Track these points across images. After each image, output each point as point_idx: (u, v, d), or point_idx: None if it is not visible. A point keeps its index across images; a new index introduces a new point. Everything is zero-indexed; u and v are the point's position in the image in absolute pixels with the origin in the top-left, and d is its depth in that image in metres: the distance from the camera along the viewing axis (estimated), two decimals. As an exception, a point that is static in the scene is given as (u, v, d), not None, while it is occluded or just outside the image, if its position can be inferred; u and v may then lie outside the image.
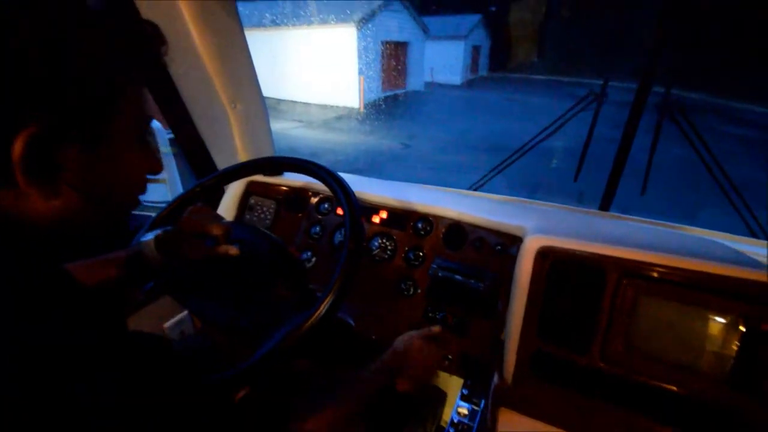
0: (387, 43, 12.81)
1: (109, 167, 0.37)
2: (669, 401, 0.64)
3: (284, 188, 1.15)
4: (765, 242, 1.00)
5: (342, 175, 0.71)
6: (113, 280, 0.61)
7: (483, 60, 20.22)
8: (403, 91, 14.19)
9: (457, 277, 0.88)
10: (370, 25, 11.62)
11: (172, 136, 1.20)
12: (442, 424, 1.01)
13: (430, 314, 0.91)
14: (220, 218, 0.69)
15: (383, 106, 12.27)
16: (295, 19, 11.87)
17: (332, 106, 12.02)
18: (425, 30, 14.58)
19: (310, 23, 11.79)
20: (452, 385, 1.10)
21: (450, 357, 0.87)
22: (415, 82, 14.78)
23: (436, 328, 0.79)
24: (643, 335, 0.66)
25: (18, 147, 0.28)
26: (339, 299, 0.54)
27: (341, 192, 0.66)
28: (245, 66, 1.12)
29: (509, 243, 0.88)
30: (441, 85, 16.53)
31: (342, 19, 11.36)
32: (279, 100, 12.45)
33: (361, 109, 11.81)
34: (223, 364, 0.49)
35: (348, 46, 11.55)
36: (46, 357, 0.28)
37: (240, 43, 1.07)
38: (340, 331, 0.92)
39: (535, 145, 1.40)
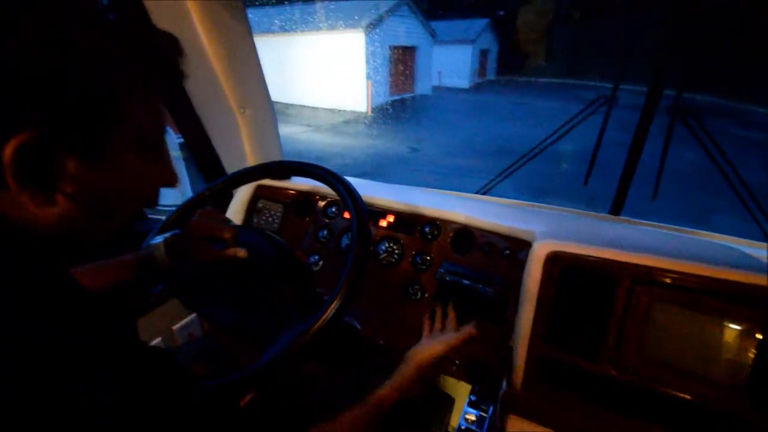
0: (395, 47, 12.87)
1: (112, 179, 0.35)
2: (682, 410, 0.62)
3: (292, 192, 1.15)
4: (781, 248, 0.97)
5: (349, 179, 0.71)
6: (123, 283, 0.61)
7: (491, 64, 20.19)
8: (411, 95, 14.23)
9: (465, 281, 0.87)
10: (378, 30, 11.69)
11: (182, 140, 1.22)
12: (450, 430, 1.00)
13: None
14: (228, 221, 0.70)
15: (391, 110, 12.31)
16: (303, 25, 12.00)
17: (340, 111, 12.09)
18: (433, 34, 14.62)
19: (318, 29, 11.91)
20: (460, 390, 1.09)
21: (457, 362, 0.86)
22: (422, 86, 14.81)
23: (471, 330, 0.76)
24: (656, 342, 0.64)
25: (8, 151, 0.27)
26: (345, 303, 0.54)
27: (348, 196, 0.66)
28: (254, 71, 1.13)
29: (518, 248, 0.87)
30: (449, 89, 16.53)
31: (350, 24, 11.45)
32: (287, 105, 12.56)
33: (369, 113, 11.86)
34: (229, 366, 0.49)
35: (356, 51, 11.63)
36: (46, 357, 0.28)
37: (249, 48, 1.08)
38: (346, 335, 0.92)
39: (545, 148, 1.38)
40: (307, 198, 1.13)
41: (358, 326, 0.93)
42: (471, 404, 0.79)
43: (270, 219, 1.15)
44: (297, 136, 9.47)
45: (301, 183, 1.15)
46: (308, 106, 12.50)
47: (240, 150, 1.21)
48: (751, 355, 0.58)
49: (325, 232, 1.07)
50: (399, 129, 10.32)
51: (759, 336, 0.58)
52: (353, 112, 12.02)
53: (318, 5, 11.97)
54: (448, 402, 1.02)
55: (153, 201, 0.42)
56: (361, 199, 0.66)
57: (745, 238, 1.00)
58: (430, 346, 0.72)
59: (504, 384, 0.78)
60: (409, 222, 1.00)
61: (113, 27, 0.32)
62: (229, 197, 1.21)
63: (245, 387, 0.49)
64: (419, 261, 0.96)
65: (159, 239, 0.63)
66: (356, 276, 0.56)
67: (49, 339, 0.29)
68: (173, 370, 0.37)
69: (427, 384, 0.68)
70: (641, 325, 0.65)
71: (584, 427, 0.69)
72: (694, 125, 1.12)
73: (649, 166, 1.32)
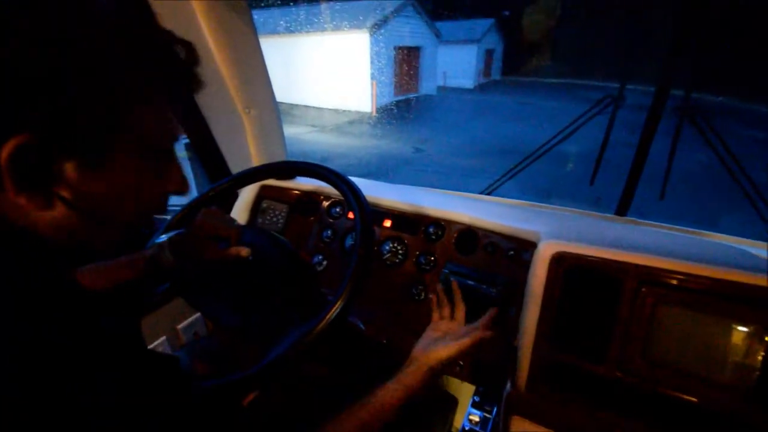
0: (399, 48, 12.87)
1: (113, 185, 0.34)
2: (688, 413, 0.61)
3: (296, 192, 1.15)
4: (791, 249, 0.96)
5: (353, 179, 0.71)
6: (128, 282, 0.62)
7: (496, 64, 20.12)
8: (416, 95, 14.22)
9: (469, 282, 0.87)
10: (382, 31, 11.70)
11: (187, 141, 1.23)
12: (453, 430, 0.99)
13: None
14: (232, 221, 0.70)
15: (395, 110, 12.31)
16: (308, 25, 12.03)
17: (345, 111, 12.11)
18: (438, 35, 14.61)
19: (323, 30, 11.94)
20: (463, 391, 1.08)
21: (461, 363, 0.86)
22: (427, 87, 14.80)
23: (485, 332, 0.69)
24: (662, 345, 0.64)
25: (5, 152, 0.27)
26: (349, 304, 0.54)
27: (352, 196, 0.66)
28: (259, 72, 1.14)
29: (522, 248, 0.86)
30: (453, 89, 16.49)
31: (355, 25, 11.47)
32: (292, 105, 12.61)
33: (374, 114, 11.87)
34: (233, 366, 0.49)
35: (361, 51, 11.65)
36: (45, 357, 0.27)
37: (254, 49, 1.09)
38: (350, 335, 0.92)
39: (550, 149, 1.38)
40: (311, 198, 1.13)
41: (362, 326, 0.93)
42: (475, 405, 0.79)
43: (274, 219, 1.16)
44: (302, 137, 9.50)
45: (305, 183, 1.15)
46: (313, 107, 12.54)
47: (245, 150, 1.22)
48: (759, 358, 0.58)
49: (329, 232, 1.08)
50: (403, 129, 10.32)
51: (767, 338, 0.57)
52: (358, 112, 12.03)
53: (323, 6, 12.01)
54: (452, 402, 1.01)
55: (160, 209, 0.41)
56: (365, 199, 0.66)
57: (753, 239, 0.99)
58: (444, 347, 0.66)
59: (508, 385, 0.77)
60: (413, 222, 1.00)
61: (116, 28, 0.31)
62: (233, 197, 1.22)
63: (249, 386, 0.49)
64: (423, 261, 0.96)
65: (163, 238, 0.64)
66: (360, 276, 0.56)
67: (49, 339, 0.28)
68: (173, 370, 0.37)
69: (431, 385, 0.65)
70: (647, 326, 0.64)
71: (588, 429, 0.69)
72: (703, 124, 1.11)
73: (657, 166, 1.31)
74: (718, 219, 4.62)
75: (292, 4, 12.42)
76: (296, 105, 12.62)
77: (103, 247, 0.39)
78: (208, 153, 1.22)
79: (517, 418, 0.75)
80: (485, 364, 0.84)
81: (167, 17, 0.36)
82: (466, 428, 0.75)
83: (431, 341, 0.68)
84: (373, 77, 11.90)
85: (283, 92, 11.60)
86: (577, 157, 6.31)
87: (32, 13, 0.27)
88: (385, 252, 1.00)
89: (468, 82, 17.40)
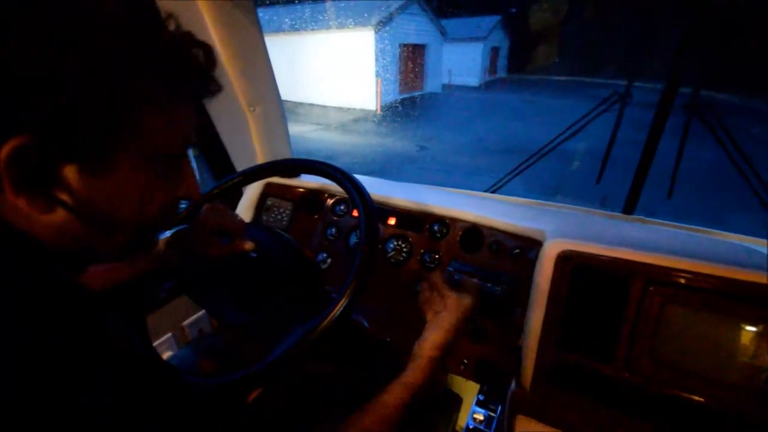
0: (404, 45, 12.83)
1: (116, 191, 0.33)
2: (696, 414, 0.61)
3: (301, 190, 1.16)
4: (802, 248, 0.94)
5: (358, 177, 0.70)
6: (131, 279, 0.62)
7: (502, 61, 20.00)
8: (420, 93, 14.17)
9: (474, 280, 0.87)
10: (387, 28, 11.66)
11: (193, 138, 1.23)
12: (457, 429, 0.99)
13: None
14: (235, 216, 0.70)
15: (400, 108, 12.28)
16: (313, 23, 12.03)
17: (349, 109, 12.11)
18: (443, 32, 14.54)
19: (328, 27, 11.93)
20: (468, 390, 1.08)
21: (465, 362, 0.86)
22: (432, 85, 14.75)
23: (466, 301, 0.67)
24: (670, 344, 0.63)
25: (4, 153, 0.26)
26: (353, 301, 0.54)
27: (356, 194, 0.66)
28: (264, 70, 1.14)
29: (528, 247, 0.86)
30: (459, 87, 16.42)
31: (360, 22, 11.45)
32: (297, 104, 12.63)
33: (378, 112, 11.85)
34: (238, 363, 0.49)
35: (366, 49, 11.63)
36: (45, 358, 0.27)
37: (259, 47, 1.09)
38: (354, 333, 0.92)
39: (556, 146, 1.37)
40: (315, 196, 1.13)
41: (366, 324, 0.93)
42: (479, 404, 0.79)
43: (279, 217, 1.16)
44: (306, 135, 9.51)
45: (310, 181, 1.15)
46: (318, 105, 12.55)
47: (250, 148, 1.22)
48: (769, 359, 0.57)
49: (334, 230, 1.08)
50: (408, 127, 10.29)
51: (778, 339, 0.56)
52: (362, 110, 12.02)
53: (328, 4, 11.99)
54: (456, 401, 1.01)
55: (170, 214, 0.40)
56: (369, 196, 0.66)
57: (762, 237, 0.98)
58: (435, 331, 0.64)
59: (513, 384, 0.77)
60: (418, 220, 1.00)
61: (118, 29, 0.30)
62: (238, 195, 1.22)
63: (253, 384, 0.49)
64: (428, 259, 0.96)
65: (167, 234, 0.64)
66: (364, 274, 0.56)
67: (48, 341, 0.28)
68: (171, 371, 0.37)
69: (435, 377, 0.63)
70: (654, 326, 0.63)
71: (593, 428, 0.68)
72: (713, 121, 1.09)
73: (664, 164, 1.29)
74: (726, 217, 4.56)
75: (297, 2, 12.43)
76: (301, 103, 12.64)
77: (106, 252, 0.38)
78: (213, 151, 1.22)
79: (521, 417, 0.74)
80: (490, 363, 0.84)
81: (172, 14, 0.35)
82: (471, 427, 0.75)
83: (426, 330, 0.66)
84: (377, 75, 11.88)
85: (288, 90, 11.62)
86: (584, 155, 6.26)
87: (32, 12, 0.26)
88: (389, 250, 1.00)
89: (473, 80, 17.31)
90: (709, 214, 4.72)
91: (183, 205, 0.80)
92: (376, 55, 11.67)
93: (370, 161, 7.49)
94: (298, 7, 12.32)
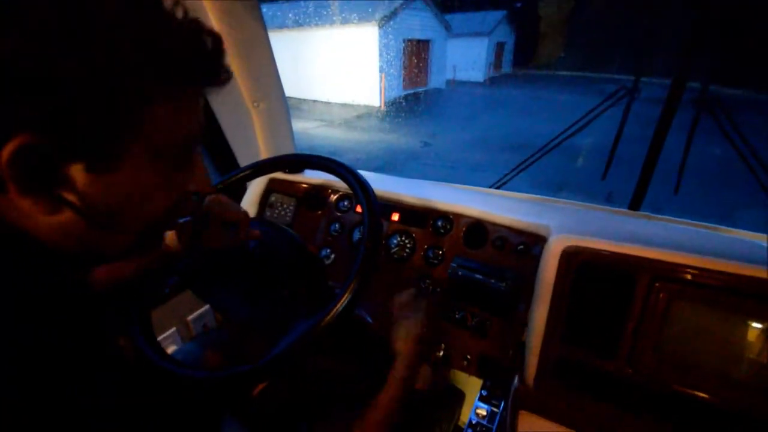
0: (409, 41, 12.77)
1: (124, 191, 0.32)
2: (700, 411, 0.60)
3: (304, 186, 1.16)
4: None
5: (361, 172, 0.70)
6: (135, 274, 0.62)
7: (507, 56, 19.86)
8: (425, 89, 14.12)
9: (477, 276, 0.86)
10: (391, 24, 11.61)
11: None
12: (460, 424, 0.99)
13: (449, 314, 0.90)
14: (238, 206, 0.70)
15: (404, 104, 12.25)
16: (317, 19, 12.00)
17: (353, 105, 12.09)
18: (447, 27, 14.45)
19: (332, 23, 11.89)
20: (471, 385, 1.08)
21: (469, 357, 0.86)
22: (436, 80, 14.68)
23: (409, 291, 0.78)
24: (675, 341, 0.63)
25: (6, 153, 0.26)
26: (356, 297, 0.54)
27: (360, 189, 0.65)
28: (268, 66, 1.14)
29: (532, 242, 0.85)
30: (463, 83, 16.34)
31: (364, 18, 11.40)
32: (301, 100, 12.63)
33: (382, 108, 11.83)
34: (242, 358, 0.49)
35: (370, 44, 11.59)
36: (45, 359, 0.27)
37: (263, 43, 1.09)
38: (357, 329, 0.93)
39: (561, 142, 1.35)
40: (319, 192, 1.13)
41: (369, 320, 0.93)
42: (482, 399, 0.79)
43: (282, 212, 1.16)
44: (310, 131, 9.51)
45: (313, 177, 1.15)
46: (321, 101, 12.55)
47: (254, 144, 1.22)
48: (777, 356, 0.56)
49: (337, 225, 1.08)
50: (412, 123, 10.26)
51: (785, 336, 0.56)
52: (366, 106, 12.00)
53: (332, -1, 11.96)
54: (459, 396, 1.01)
55: (183, 211, 0.39)
56: (373, 192, 0.65)
57: (770, 234, 0.96)
58: (411, 324, 0.70)
59: (516, 380, 0.77)
60: (422, 216, 0.99)
61: (120, 26, 0.29)
62: (241, 191, 1.22)
63: (255, 378, 0.49)
64: (431, 255, 0.96)
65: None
66: (367, 269, 0.56)
67: (49, 342, 0.28)
68: (174, 366, 0.37)
69: (420, 365, 0.66)
70: (660, 322, 0.63)
71: (597, 424, 0.68)
72: (721, 116, 1.08)
73: (671, 160, 1.28)
74: (734, 213, 4.52)
75: (300, -3, 12.40)
76: (305, 100, 12.64)
77: (114, 253, 0.37)
78: (216, 146, 1.23)
79: (524, 412, 0.74)
80: (493, 359, 0.84)
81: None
82: (473, 422, 0.75)
83: (399, 328, 0.71)
84: (381, 71, 11.84)
85: (291, 87, 11.64)
86: (590, 150, 6.21)
87: (32, 12, 0.25)
88: (392, 245, 1.00)
89: (478, 76, 17.21)
90: (716, 210, 4.68)
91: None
92: (380, 50, 11.63)
93: (373, 157, 7.48)
94: (302, 2, 12.29)
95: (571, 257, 0.69)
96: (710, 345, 0.61)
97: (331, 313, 0.52)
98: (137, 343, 0.50)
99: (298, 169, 1.17)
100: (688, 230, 0.87)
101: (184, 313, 1.21)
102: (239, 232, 0.65)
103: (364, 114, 11.37)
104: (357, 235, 1.05)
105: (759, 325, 0.57)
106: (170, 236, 0.63)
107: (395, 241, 1.00)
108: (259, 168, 0.82)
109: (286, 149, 1.31)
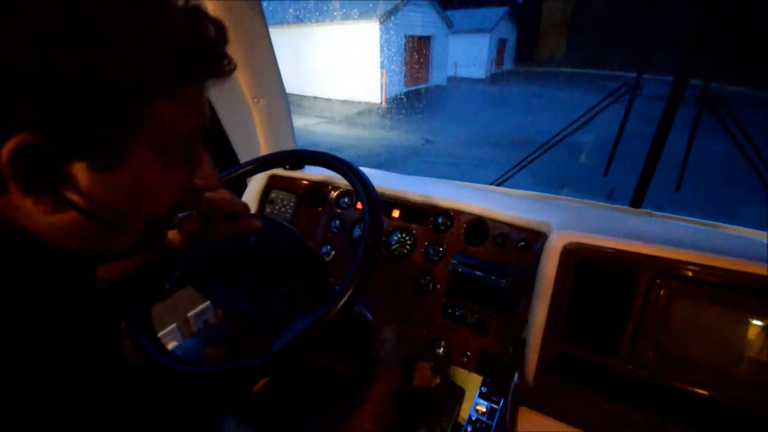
0: (410, 37, 12.71)
1: (127, 189, 0.32)
2: (700, 407, 0.60)
3: (305, 182, 1.15)
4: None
5: (362, 169, 0.70)
6: (136, 270, 0.62)
7: (509, 53, 19.76)
8: (426, 86, 14.07)
9: (478, 273, 0.86)
10: (393, 20, 11.55)
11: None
12: (460, 421, 1.00)
13: (449, 310, 0.90)
14: (238, 198, 0.69)
15: (405, 101, 12.21)
16: (318, 14, 11.95)
17: (354, 102, 12.06)
18: (449, 24, 14.38)
19: (333, 19, 11.84)
20: (471, 382, 1.08)
21: (468, 354, 0.86)
22: (437, 77, 14.62)
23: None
24: (676, 338, 0.63)
25: (6, 152, 0.25)
26: (356, 293, 0.54)
27: (361, 186, 0.65)
28: (269, 62, 1.13)
29: (533, 239, 0.85)
30: (465, 80, 16.26)
31: (365, 14, 11.35)
32: (302, 97, 12.60)
33: (383, 104, 11.79)
34: (243, 354, 0.50)
35: (371, 41, 11.54)
36: (45, 359, 0.27)
37: (264, 39, 1.08)
38: (357, 325, 0.93)
39: (563, 139, 1.35)
40: (319, 188, 1.13)
41: (370, 316, 0.93)
42: (482, 395, 0.79)
43: (283, 209, 1.16)
44: (311, 128, 9.49)
45: (313, 173, 1.15)
46: (322, 98, 12.51)
47: (254, 141, 1.22)
48: (777, 353, 0.56)
49: (338, 222, 1.08)
50: (413, 120, 10.23)
51: (786, 333, 0.56)
52: (367, 103, 11.96)
53: (333, -6, 11.90)
54: (459, 393, 1.02)
55: (188, 206, 0.39)
56: (374, 188, 0.65)
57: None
58: (391, 341, 0.74)
59: (516, 376, 0.77)
60: (422, 212, 0.99)
61: (121, 23, 0.28)
62: (242, 187, 1.22)
63: (256, 375, 0.49)
64: (432, 252, 0.96)
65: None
66: (367, 266, 0.56)
67: (49, 342, 0.28)
68: (174, 362, 0.37)
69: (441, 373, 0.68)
70: (660, 319, 0.63)
71: (597, 421, 0.68)
72: (723, 113, 1.07)
73: (672, 157, 1.27)
74: (735, 211, 4.50)
75: (301, -7, 12.34)
76: (305, 96, 12.60)
77: (116, 252, 0.37)
78: (217, 143, 1.22)
79: (524, 409, 0.74)
80: (493, 356, 0.84)
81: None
82: (473, 418, 0.75)
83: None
84: (382, 67, 11.80)
85: (292, 83, 11.59)
86: (592, 147, 6.19)
87: (32, 11, 0.25)
88: (393, 242, 1.00)
89: (480, 72, 17.14)
90: (718, 207, 4.66)
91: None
92: (381, 47, 11.58)
93: (374, 154, 7.47)
94: (303, -2, 12.24)
95: (572, 254, 0.69)
96: (711, 342, 0.61)
97: (332, 310, 0.52)
98: (138, 339, 0.50)
99: (300, 165, 1.17)
100: (689, 227, 0.87)
101: (185, 309, 1.21)
102: (240, 222, 0.65)
103: (365, 111, 11.33)
104: (357, 231, 1.05)
105: (759, 322, 0.57)
106: (171, 232, 0.63)
107: (396, 238, 1.00)
108: (262, 163, 0.81)
109: (287, 146, 1.31)
